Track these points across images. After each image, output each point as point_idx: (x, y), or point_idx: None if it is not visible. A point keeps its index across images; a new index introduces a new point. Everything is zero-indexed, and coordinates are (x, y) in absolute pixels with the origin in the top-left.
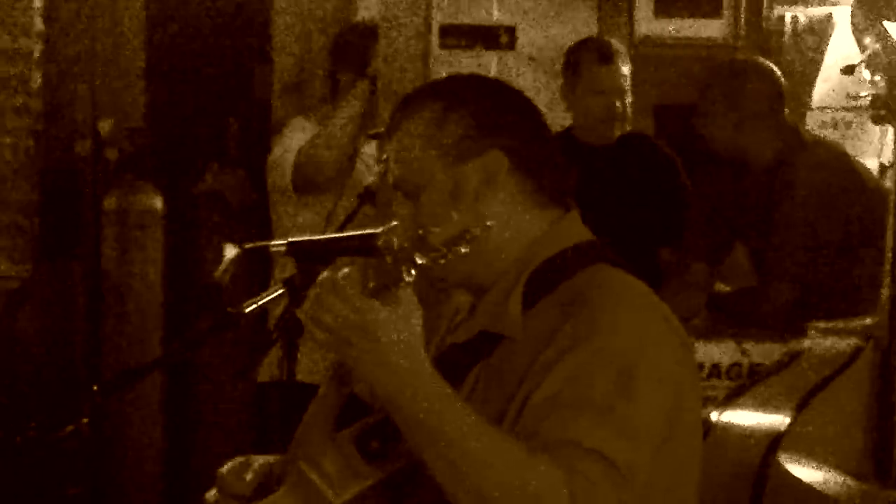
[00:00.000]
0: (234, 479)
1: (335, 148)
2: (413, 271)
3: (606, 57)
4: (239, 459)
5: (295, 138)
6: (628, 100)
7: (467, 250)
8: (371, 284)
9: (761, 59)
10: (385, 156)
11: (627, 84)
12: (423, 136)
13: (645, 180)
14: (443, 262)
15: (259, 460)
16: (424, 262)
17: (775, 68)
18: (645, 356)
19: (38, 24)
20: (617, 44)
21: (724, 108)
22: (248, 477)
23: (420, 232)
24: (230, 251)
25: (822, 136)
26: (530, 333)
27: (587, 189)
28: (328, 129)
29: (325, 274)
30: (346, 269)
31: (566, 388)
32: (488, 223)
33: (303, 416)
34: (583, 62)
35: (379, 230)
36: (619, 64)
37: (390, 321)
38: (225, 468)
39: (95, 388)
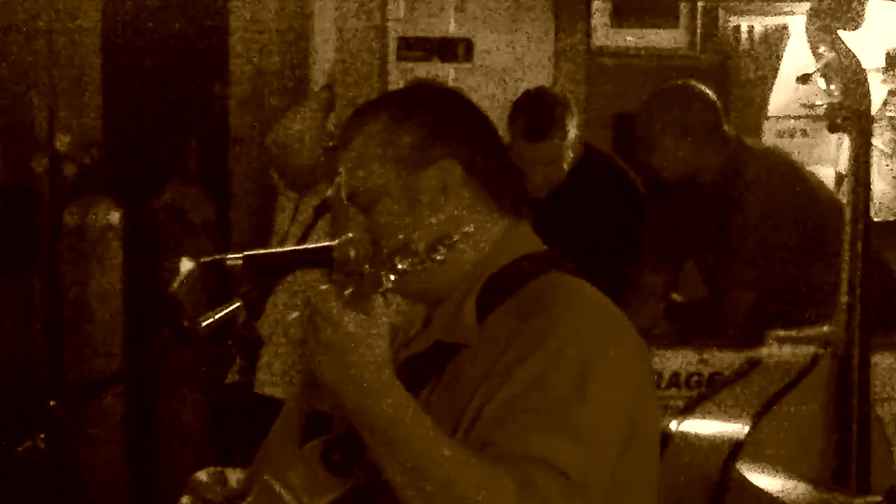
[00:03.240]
0: (213, 485)
1: (285, 138)
2: (393, 276)
3: (532, 135)
4: (214, 469)
5: None
6: (566, 159)
7: (443, 257)
8: (348, 291)
9: (693, 83)
10: (340, 168)
11: (567, 143)
12: (375, 147)
13: (602, 208)
14: (421, 268)
15: (236, 474)
16: (405, 266)
17: (705, 87)
18: (601, 361)
19: None
20: (557, 102)
21: (671, 139)
22: (228, 486)
23: (401, 237)
24: (186, 265)
25: (776, 145)
26: (485, 342)
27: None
28: (281, 122)
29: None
30: (323, 287)
31: (522, 396)
32: (466, 229)
33: (263, 429)
34: (513, 133)
35: (335, 242)
36: (549, 139)
37: (361, 334)
38: (201, 474)
39: (53, 403)
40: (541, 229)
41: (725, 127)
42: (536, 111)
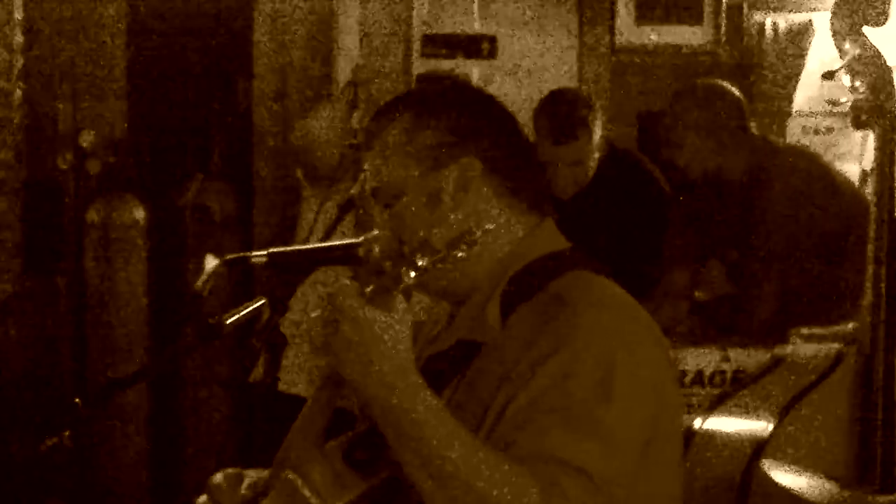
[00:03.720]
0: (228, 489)
1: (310, 135)
2: (413, 273)
3: (558, 137)
4: (231, 471)
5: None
6: (592, 160)
7: (464, 254)
8: (369, 288)
9: (718, 82)
10: (364, 166)
11: (592, 144)
12: (397, 145)
13: (626, 206)
14: (441, 265)
15: (252, 475)
16: (425, 263)
17: (730, 86)
18: (625, 362)
19: (19, 37)
20: (582, 104)
21: (696, 138)
22: (242, 491)
23: (421, 234)
24: (210, 262)
25: (801, 142)
26: (509, 340)
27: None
28: (305, 119)
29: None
30: (344, 280)
31: (545, 396)
32: (487, 226)
33: (286, 427)
34: (538, 134)
35: (360, 240)
36: (575, 141)
37: (383, 330)
38: (218, 477)
39: (78, 400)
40: (565, 228)
41: (750, 125)
42: (562, 113)
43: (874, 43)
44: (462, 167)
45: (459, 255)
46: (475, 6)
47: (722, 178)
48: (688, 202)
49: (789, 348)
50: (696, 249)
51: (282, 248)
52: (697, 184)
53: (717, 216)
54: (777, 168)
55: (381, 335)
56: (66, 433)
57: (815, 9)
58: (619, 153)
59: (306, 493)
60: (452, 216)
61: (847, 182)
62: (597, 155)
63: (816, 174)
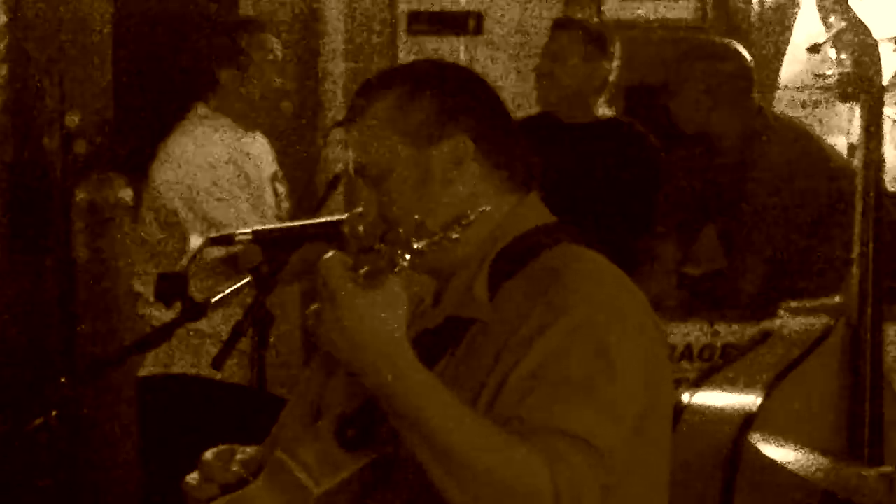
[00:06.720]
0: (220, 466)
1: None
2: (408, 256)
3: (559, 22)
4: (224, 447)
5: None
6: (576, 69)
7: (458, 236)
8: (364, 269)
9: (733, 42)
10: (349, 142)
11: (575, 56)
12: (387, 121)
13: (622, 168)
14: (436, 247)
15: (245, 451)
16: (421, 246)
17: (745, 51)
18: (619, 332)
19: (3, 16)
20: (603, 26)
21: (696, 90)
22: (234, 468)
23: (416, 216)
24: (195, 241)
25: (789, 115)
26: (499, 315)
27: (561, 168)
28: None
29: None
30: (328, 255)
31: (543, 368)
32: (483, 208)
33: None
34: None
35: (344, 216)
36: (569, 30)
37: (373, 310)
38: (209, 454)
39: (64, 379)
40: (556, 199)
41: (754, 96)
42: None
43: (860, 16)
44: (454, 145)
45: (454, 236)
46: None
47: (714, 140)
48: (677, 172)
49: (778, 322)
50: (687, 221)
51: (266, 226)
52: (689, 139)
53: (708, 183)
54: (770, 139)
55: (373, 317)
56: (54, 413)
57: None
58: (621, 123)
59: (298, 473)
60: (447, 196)
61: (838, 157)
62: (597, 81)
63: (808, 148)
